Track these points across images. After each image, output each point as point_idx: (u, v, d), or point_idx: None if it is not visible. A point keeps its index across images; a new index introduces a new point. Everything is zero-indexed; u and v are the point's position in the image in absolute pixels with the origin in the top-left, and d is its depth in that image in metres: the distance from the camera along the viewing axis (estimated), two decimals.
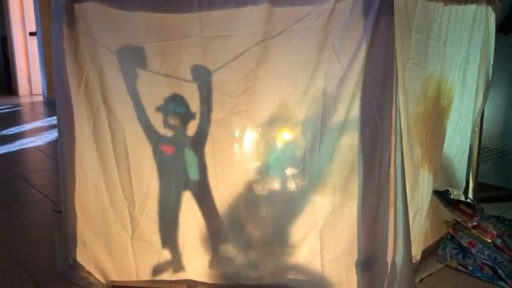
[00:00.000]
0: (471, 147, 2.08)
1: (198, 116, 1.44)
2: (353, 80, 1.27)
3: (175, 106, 1.45)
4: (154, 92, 1.45)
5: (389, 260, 1.34)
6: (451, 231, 1.72)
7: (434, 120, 1.65)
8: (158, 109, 1.45)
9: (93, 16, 1.43)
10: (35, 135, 4.27)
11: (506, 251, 1.62)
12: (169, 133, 1.47)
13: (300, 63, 1.34)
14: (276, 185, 1.46)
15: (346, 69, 1.28)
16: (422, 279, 1.60)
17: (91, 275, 1.62)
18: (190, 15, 1.35)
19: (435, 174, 1.73)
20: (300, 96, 1.36)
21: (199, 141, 1.45)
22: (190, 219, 1.52)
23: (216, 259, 1.53)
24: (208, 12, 1.34)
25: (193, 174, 1.48)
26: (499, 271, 1.58)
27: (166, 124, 1.46)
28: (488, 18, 1.86)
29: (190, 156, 1.47)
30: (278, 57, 1.35)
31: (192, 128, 1.46)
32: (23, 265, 1.76)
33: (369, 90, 1.26)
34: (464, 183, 2.04)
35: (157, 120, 1.47)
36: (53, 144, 3.83)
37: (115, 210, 1.55)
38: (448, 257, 1.70)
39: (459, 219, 1.72)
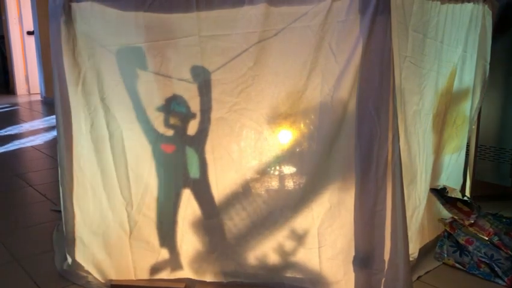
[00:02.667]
0: (468, 145, 2.09)
1: (197, 114, 1.45)
2: (350, 78, 1.28)
3: (175, 105, 1.45)
4: (152, 91, 1.45)
5: (387, 258, 1.34)
6: (448, 229, 1.73)
7: (431, 118, 1.66)
8: (158, 109, 1.46)
9: (91, 15, 1.44)
10: (33, 134, 4.26)
11: (503, 248, 1.63)
12: (168, 132, 1.48)
13: (298, 62, 1.34)
14: (274, 182, 1.46)
15: (343, 68, 1.28)
16: (419, 277, 1.61)
17: (90, 274, 1.62)
18: (188, 15, 1.36)
19: (432, 172, 1.74)
20: (297, 94, 1.37)
21: (199, 140, 1.45)
22: (189, 218, 1.52)
23: (214, 257, 1.53)
24: (206, 12, 1.35)
25: (193, 172, 1.49)
26: (496, 268, 1.59)
27: (167, 124, 1.47)
28: (485, 16, 1.87)
29: (190, 155, 1.48)
30: (276, 56, 1.35)
31: (192, 127, 1.46)
32: (22, 264, 1.76)
33: (366, 89, 1.27)
34: (461, 181, 2.04)
35: (156, 119, 1.47)
36: (51, 144, 3.82)
37: (113, 210, 1.56)
38: (445, 255, 1.70)
39: (456, 217, 1.73)
